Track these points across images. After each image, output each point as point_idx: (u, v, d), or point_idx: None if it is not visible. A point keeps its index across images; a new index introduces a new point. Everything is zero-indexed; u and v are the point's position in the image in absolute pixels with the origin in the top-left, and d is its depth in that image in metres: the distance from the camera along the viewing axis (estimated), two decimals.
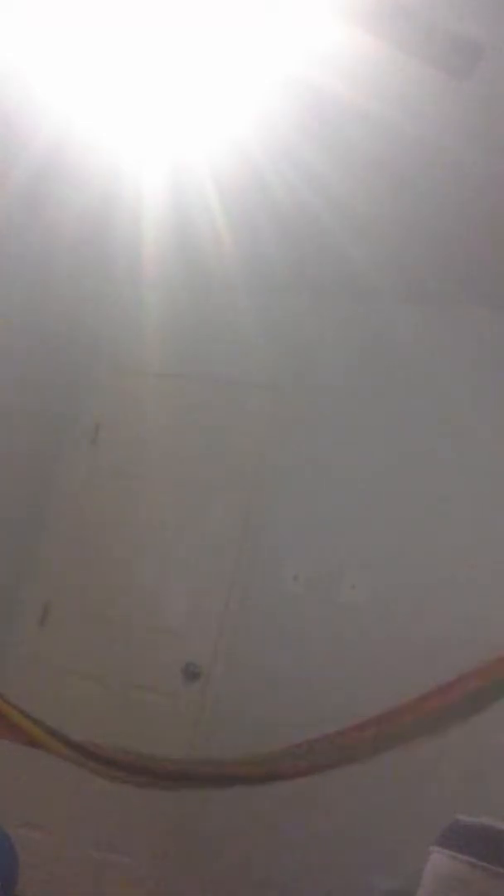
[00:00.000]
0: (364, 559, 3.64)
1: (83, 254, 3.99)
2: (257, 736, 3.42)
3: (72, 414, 4.25)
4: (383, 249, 3.61)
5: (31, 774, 3.20)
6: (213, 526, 3.91)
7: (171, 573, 3.91)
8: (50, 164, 3.26)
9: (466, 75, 2.21)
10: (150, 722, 3.67)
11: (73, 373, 4.26)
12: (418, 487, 3.65)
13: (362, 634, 3.53)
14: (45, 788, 3.48)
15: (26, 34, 2.62)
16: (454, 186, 3.13)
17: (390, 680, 3.30)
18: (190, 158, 3.11)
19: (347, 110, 2.80)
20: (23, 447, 4.00)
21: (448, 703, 2.18)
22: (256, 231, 3.58)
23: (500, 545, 3.47)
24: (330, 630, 3.58)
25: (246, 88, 2.70)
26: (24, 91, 2.91)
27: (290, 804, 3.29)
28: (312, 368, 4.00)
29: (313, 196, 3.27)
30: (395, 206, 3.32)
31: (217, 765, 2.40)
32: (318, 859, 3.30)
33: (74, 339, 4.25)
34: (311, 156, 3.04)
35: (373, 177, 3.16)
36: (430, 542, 3.56)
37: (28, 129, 3.09)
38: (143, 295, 4.20)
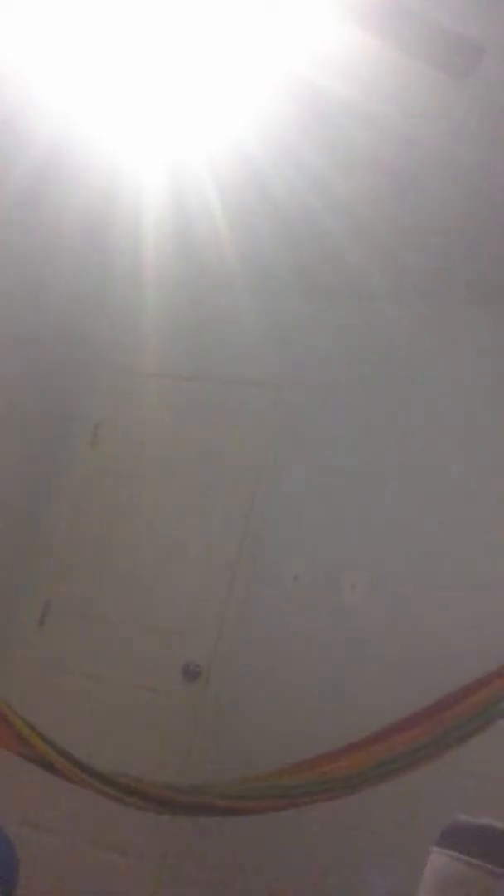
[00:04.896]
0: (364, 559, 3.64)
1: (83, 254, 4.00)
2: (256, 736, 3.43)
3: (72, 414, 4.25)
4: (383, 249, 3.61)
5: (30, 774, 3.20)
6: (213, 526, 3.91)
7: (170, 573, 3.91)
8: (50, 164, 3.27)
9: (466, 75, 2.21)
10: (150, 722, 3.67)
11: (73, 373, 4.26)
12: (419, 487, 3.65)
13: (362, 635, 3.53)
14: (45, 788, 3.48)
15: (26, 34, 2.62)
16: (454, 186, 3.13)
17: (390, 680, 3.31)
18: (190, 158, 3.11)
19: (347, 110, 2.80)
20: (23, 447, 4.00)
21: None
22: (256, 231, 3.58)
23: (503, 546, 3.46)
24: (330, 630, 3.58)
25: (246, 88, 2.70)
26: (24, 91, 2.91)
27: None
28: (313, 368, 4.00)
29: (313, 196, 3.27)
30: (394, 206, 3.32)
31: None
32: (317, 858, 3.30)
33: (74, 339, 4.25)
34: (311, 156, 3.04)
35: (373, 177, 3.16)
36: (430, 542, 3.56)
37: (28, 129, 3.09)
38: (143, 295, 4.20)
